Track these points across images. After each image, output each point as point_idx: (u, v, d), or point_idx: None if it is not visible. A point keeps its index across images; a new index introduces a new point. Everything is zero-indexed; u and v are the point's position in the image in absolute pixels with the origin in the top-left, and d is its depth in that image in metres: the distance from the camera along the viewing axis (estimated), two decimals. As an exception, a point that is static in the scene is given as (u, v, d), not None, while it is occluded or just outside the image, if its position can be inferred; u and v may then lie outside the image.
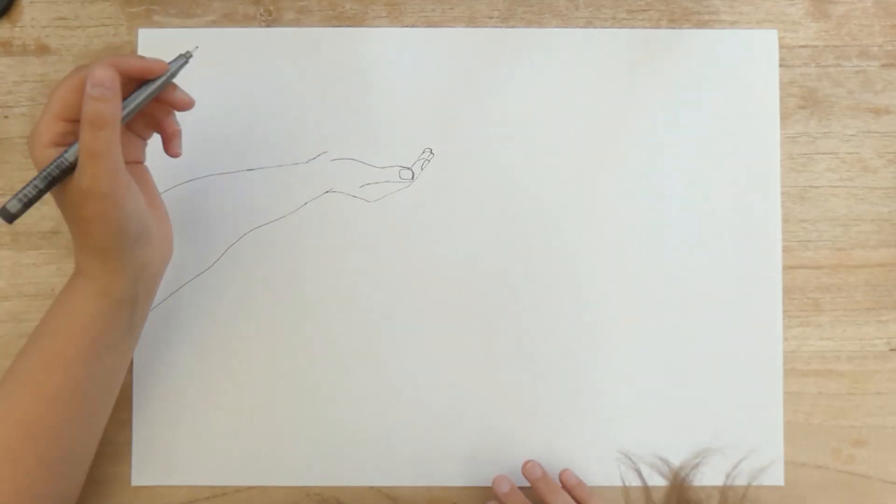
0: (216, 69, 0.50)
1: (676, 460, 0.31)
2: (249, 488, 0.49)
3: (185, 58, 0.41)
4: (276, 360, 0.49)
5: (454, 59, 0.50)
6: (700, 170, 0.50)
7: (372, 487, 0.49)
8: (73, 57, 0.50)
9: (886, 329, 0.50)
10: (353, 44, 0.50)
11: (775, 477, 0.49)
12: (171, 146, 0.43)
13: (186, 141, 0.44)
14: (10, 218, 0.38)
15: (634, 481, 0.29)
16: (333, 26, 0.50)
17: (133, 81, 0.39)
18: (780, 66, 0.51)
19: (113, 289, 0.41)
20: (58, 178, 0.38)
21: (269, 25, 0.50)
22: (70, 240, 0.49)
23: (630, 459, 0.30)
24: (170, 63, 0.40)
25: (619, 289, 0.50)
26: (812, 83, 0.51)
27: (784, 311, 0.50)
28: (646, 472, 0.29)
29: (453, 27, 0.51)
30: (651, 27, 0.51)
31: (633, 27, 0.51)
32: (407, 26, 0.51)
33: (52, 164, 0.38)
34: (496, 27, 0.51)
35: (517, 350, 0.50)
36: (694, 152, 0.50)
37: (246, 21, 0.51)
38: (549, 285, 0.50)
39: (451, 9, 0.51)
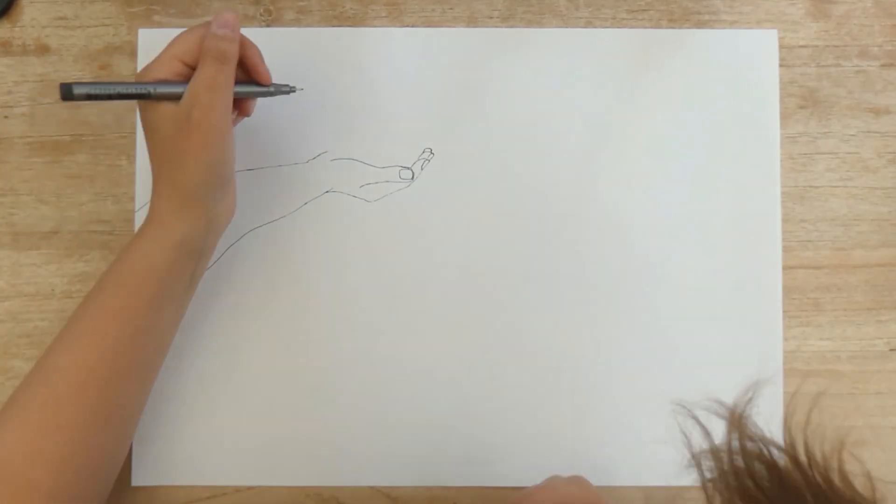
0: (216, 69, 0.50)
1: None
2: (249, 488, 0.49)
3: (288, 89, 0.45)
4: (275, 360, 0.49)
5: (454, 59, 0.50)
6: (700, 170, 0.50)
7: (372, 487, 0.49)
8: (73, 57, 0.50)
9: (886, 329, 0.50)
10: (353, 44, 0.50)
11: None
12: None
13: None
14: (68, 94, 0.39)
15: (693, 429, 0.30)
16: (333, 26, 0.50)
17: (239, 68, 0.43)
18: (780, 66, 0.51)
19: (187, 239, 0.42)
20: (129, 96, 0.40)
21: (269, 25, 0.50)
22: (70, 240, 0.50)
23: (685, 407, 0.31)
24: (275, 83, 0.45)
25: (619, 288, 0.50)
26: (812, 83, 0.51)
27: (784, 311, 0.50)
28: (702, 416, 0.30)
29: (453, 27, 0.51)
30: (651, 27, 0.51)
31: (633, 27, 0.51)
32: (407, 26, 0.51)
33: (140, 83, 0.40)
34: (496, 27, 0.51)
35: (517, 350, 0.49)
36: (694, 152, 0.50)
37: (246, 21, 0.51)
38: (549, 285, 0.50)
39: (451, 9, 0.51)
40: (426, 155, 0.50)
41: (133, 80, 0.44)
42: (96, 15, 0.51)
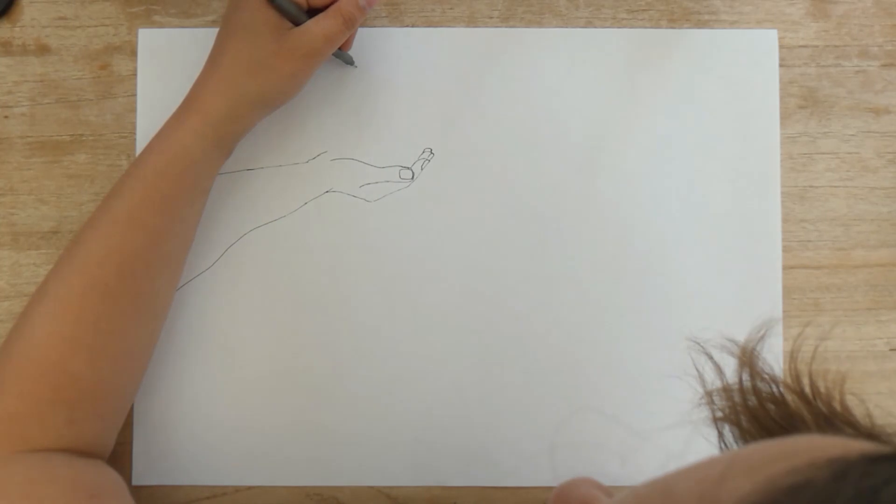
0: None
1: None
2: (249, 488, 0.49)
3: (350, 59, 0.49)
4: (275, 360, 0.49)
5: (454, 59, 0.50)
6: (700, 170, 0.50)
7: (372, 487, 0.49)
8: (73, 57, 0.50)
9: (886, 329, 0.50)
10: (353, 44, 0.50)
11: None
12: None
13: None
14: None
15: (706, 366, 0.31)
16: (333, 26, 0.50)
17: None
18: (780, 66, 0.51)
19: (225, 139, 0.44)
20: (280, 7, 0.42)
21: (269, 25, 0.50)
22: (70, 240, 0.49)
23: (699, 344, 0.32)
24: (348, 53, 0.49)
25: (618, 288, 0.50)
26: (812, 83, 0.51)
27: (784, 311, 0.50)
28: (716, 355, 0.31)
29: (453, 27, 0.51)
30: (651, 27, 0.51)
31: (633, 27, 0.51)
32: (407, 26, 0.51)
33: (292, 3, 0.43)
34: (496, 27, 0.51)
35: (517, 350, 0.49)
36: (694, 152, 0.50)
37: (246, 21, 0.50)
38: (548, 285, 0.50)
39: (451, 9, 0.51)
40: (426, 155, 0.50)
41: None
42: (96, 15, 0.50)
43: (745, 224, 0.50)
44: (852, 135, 0.51)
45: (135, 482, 0.48)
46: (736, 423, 0.28)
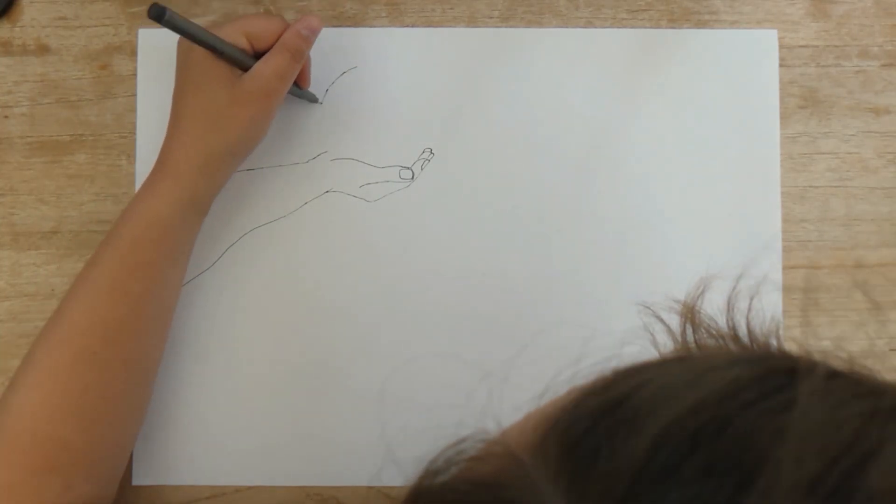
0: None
1: None
2: (249, 488, 0.49)
3: (312, 97, 0.49)
4: (275, 360, 0.49)
5: (454, 59, 0.50)
6: (700, 170, 0.50)
7: (372, 487, 0.49)
8: (73, 57, 0.50)
9: (886, 329, 0.50)
10: (353, 44, 0.50)
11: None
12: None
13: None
14: (159, 17, 0.37)
15: (657, 326, 0.32)
16: (333, 26, 0.50)
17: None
18: (780, 66, 0.51)
19: (200, 199, 0.44)
20: (204, 43, 0.41)
21: (269, 25, 0.50)
22: (70, 240, 0.49)
23: (650, 308, 0.33)
24: (308, 90, 0.49)
25: (619, 289, 0.50)
26: (812, 83, 0.51)
27: (784, 311, 0.50)
28: (665, 316, 0.32)
29: (453, 27, 0.51)
30: (651, 27, 0.51)
31: (633, 27, 0.51)
32: (407, 26, 0.51)
33: (219, 38, 0.42)
34: (496, 27, 0.51)
35: (517, 349, 0.49)
36: (694, 152, 0.50)
37: (246, 21, 0.50)
38: (548, 285, 0.50)
39: (451, 9, 0.51)
40: (426, 155, 0.50)
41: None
42: (96, 15, 0.50)
43: (745, 224, 0.50)
44: (852, 135, 0.51)
45: (135, 482, 0.48)
46: None
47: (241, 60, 0.43)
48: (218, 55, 0.42)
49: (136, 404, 0.44)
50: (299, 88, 0.48)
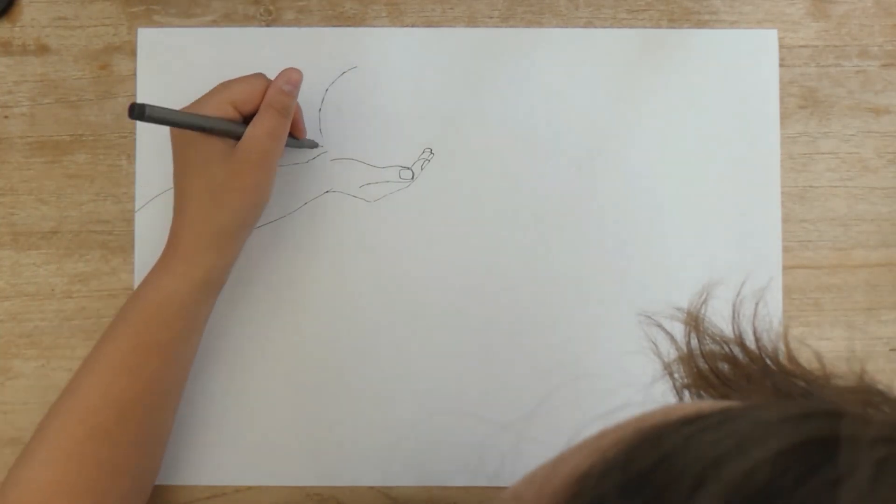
0: (216, 69, 0.50)
1: None
2: (249, 488, 0.49)
3: (311, 144, 0.49)
4: (275, 360, 0.49)
5: (454, 59, 0.50)
6: (700, 170, 0.50)
7: (372, 487, 0.49)
8: (73, 57, 0.50)
9: (886, 329, 0.50)
10: (353, 44, 0.50)
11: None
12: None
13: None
14: (140, 115, 0.38)
15: (658, 335, 0.32)
16: (333, 26, 0.50)
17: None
18: (780, 66, 0.51)
19: (213, 276, 0.44)
20: (193, 126, 0.41)
21: (269, 25, 0.50)
22: (70, 240, 0.49)
23: (651, 317, 0.33)
24: (309, 138, 0.49)
25: (619, 288, 0.50)
26: (812, 83, 0.51)
27: (784, 311, 0.50)
28: (666, 325, 0.32)
29: (453, 27, 0.51)
30: (651, 27, 0.51)
31: (633, 27, 0.51)
32: (407, 26, 0.51)
33: (206, 116, 0.41)
34: (496, 27, 0.51)
35: (517, 349, 0.49)
36: (694, 152, 0.50)
37: (246, 21, 0.51)
38: (549, 285, 0.50)
39: (451, 9, 0.51)
40: (426, 155, 0.50)
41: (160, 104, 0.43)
42: (96, 15, 0.50)
43: (745, 224, 0.50)
44: (852, 135, 0.51)
45: (135, 482, 0.49)
46: (694, 388, 0.29)
47: (232, 131, 0.42)
48: (208, 133, 0.42)
49: (146, 478, 0.45)
50: (296, 139, 0.48)
